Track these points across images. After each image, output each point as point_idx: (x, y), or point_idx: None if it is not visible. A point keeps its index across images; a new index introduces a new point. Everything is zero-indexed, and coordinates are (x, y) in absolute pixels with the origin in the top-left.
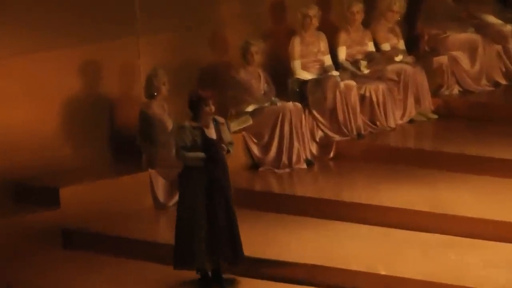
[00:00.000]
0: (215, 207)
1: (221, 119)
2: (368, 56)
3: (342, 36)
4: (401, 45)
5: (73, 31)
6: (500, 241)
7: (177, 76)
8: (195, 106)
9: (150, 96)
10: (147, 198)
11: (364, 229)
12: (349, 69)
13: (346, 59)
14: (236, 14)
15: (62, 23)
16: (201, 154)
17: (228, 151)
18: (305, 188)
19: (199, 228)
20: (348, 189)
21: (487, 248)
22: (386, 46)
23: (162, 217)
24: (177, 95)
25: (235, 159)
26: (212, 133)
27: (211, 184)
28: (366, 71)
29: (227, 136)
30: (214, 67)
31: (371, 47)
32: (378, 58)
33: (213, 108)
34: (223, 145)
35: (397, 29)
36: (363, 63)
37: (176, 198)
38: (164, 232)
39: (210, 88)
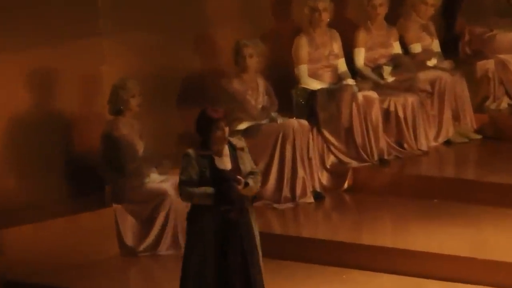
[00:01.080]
0: (226, 259)
1: (239, 143)
2: (394, 61)
3: (361, 35)
4: (436, 46)
5: (20, 31)
6: None
7: (152, 87)
8: (204, 130)
9: (117, 112)
10: (111, 242)
11: (390, 280)
12: (370, 77)
13: (366, 64)
14: (228, 9)
15: (6, 20)
16: (210, 190)
17: (246, 184)
18: (314, 229)
19: (206, 286)
20: (368, 230)
21: None
22: (417, 48)
23: (131, 268)
24: (151, 111)
25: None
26: (226, 162)
27: (224, 228)
28: (391, 80)
29: (246, 165)
30: (200, 76)
31: (397, 48)
32: (406, 63)
33: (227, 131)
34: (239, 177)
35: (431, 27)
36: (387, 69)
37: (148, 241)
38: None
39: (198, 102)
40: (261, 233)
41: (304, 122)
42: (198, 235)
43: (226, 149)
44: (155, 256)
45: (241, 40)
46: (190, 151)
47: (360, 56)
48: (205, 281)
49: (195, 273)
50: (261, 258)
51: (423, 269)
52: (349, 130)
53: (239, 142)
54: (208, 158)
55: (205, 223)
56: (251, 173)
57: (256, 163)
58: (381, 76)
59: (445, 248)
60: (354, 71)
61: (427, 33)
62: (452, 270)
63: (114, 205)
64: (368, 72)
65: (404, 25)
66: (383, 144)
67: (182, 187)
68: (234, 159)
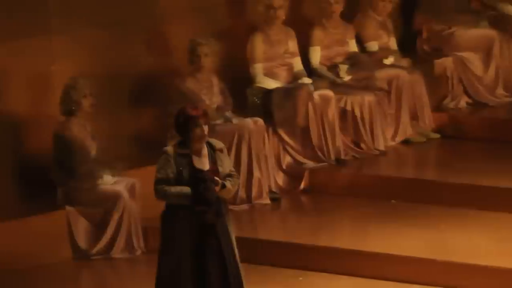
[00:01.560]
0: (203, 260)
1: (218, 144)
2: (351, 59)
3: (317, 34)
4: (393, 44)
5: None
6: None
7: (103, 86)
8: (182, 128)
9: (68, 112)
10: (64, 245)
11: (348, 282)
12: (326, 76)
13: (321, 63)
14: (181, 6)
15: None
16: (186, 189)
17: (223, 186)
18: (270, 230)
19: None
20: (326, 232)
21: None
22: (373, 46)
23: (84, 271)
24: (104, 111)
25: None
26: (204, 163)
27: (200, 229)
28: (347, 78)
29: (225, 167)
30: (153, 74)
31: (353, 46)
32: (363, 62)
33: (205, 129)
34: (217, 178)
35: (389, 24)
36: (344, 68)
37: (101, 244)
38: None
39: (151, 101)
40: None
41: (260, 121)
42: (173, 236)
43: (205, 149)
44: (108, 259)
45: (196, 38)
46: (168, 149)
47: (316, 55)
48: (181, 283)
49: (171, 274)
50: (238, 260)
51: (382, 271)
52: (305, 130)
53: (218, 143)
54: (186, 157)
55: (181, 223)
56: (229, 175)
57: None
58: (337, 75)
59: (404, 250)
60: (310, 70)
61: (384, 31)
62: (411, 272)
63: (67, 208)
64: (324, 71)
65: (361, 22)
66: (339, 144)
67: (158, 186)
68: (213, 160)
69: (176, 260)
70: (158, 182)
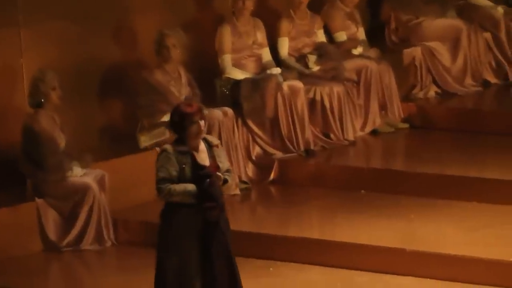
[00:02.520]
0: (212, 259)
1: (214, 140)
2: (319, 49)
3: (284, 25)
4: (361, 34)
5: None
6: (493, 286)
7: (72, 79)
8: (179, 126)
9: (37, 105)
10: (34, 237)
11: (318, 272)
12: (294, 67)
13: (290, 54)
14: None
15: None
16: (191, 187)
17: (225, 181)
18: (240, 221)
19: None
20: (295, 222)
21: None
22: (342, 36)
23: (54, 263)
24: (73, 103)
25: (142, 188)
26: (204, 159)
27: (207, 228)
28: (316, 69)
29: (224, 162)
30: (121, 66)
31: (321, 37)
32: (331, 52)
33: (202, 125)
34: (218, 173)
35: (357, 14)
36: (312, 59)
37: (71, 236)
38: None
39: (120, 93)
40: None
41: (229, 111)
42: (177, 235)
43: (202, 145)
44: (78, 251)
45: (163, 30)
46: (168, 147)
47: (284, 46)
48: (187, 283)
49: (175, 275)
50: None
51: (351, 261)
52: (274, 121)
53: (213, 138)
54: (186, 154)
55: (185, 221)
56: (227, 170)
57: None
58: (306, 65)
59: (373, 240)
60: (278, 62)
61: (352, 21)
62: (381, 262)
63: (36, 200)
64: (292, 62)
65: (328, 13)
66: (309, 134)
67: (161, 185)
68: (212, 155)
69: (182, 260)
70: (161, 181)
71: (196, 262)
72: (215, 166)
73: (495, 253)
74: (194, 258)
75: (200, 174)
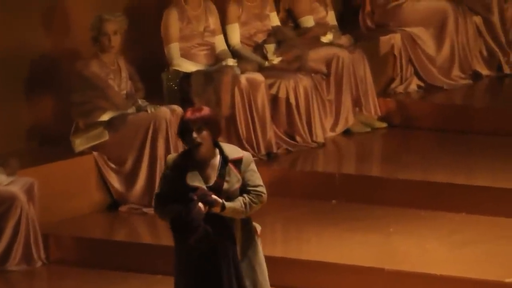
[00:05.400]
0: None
1: (234, 153)
2: (275, 35)
3: (232, 9)
4: (332, 19)
5: None
6: None
7: None
8: (180, 135)
9: None
10: None
11: None
12: (249, 58)
13: (242, 43)
14: None
15: None
16: (175, 210)
17: (223, 208)
18: None
19: None
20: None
21: None
22: (309, 21)
23: None
24: None
25: (78, 198)
26: (208, 177)
27: (200, 260)
28: (277, 61)
29: (233, 182)
30: (52, 58)
31: (275, 20)
32: (290, 37)
33: (204, 135)
34: (215, 197)
35: None
36: (271, 48)
37: None
38: None
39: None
40: (127, 244)
41: (178, 109)
42: (183, 255)
43: (217, 159)
44: (3, 273)
45: (102, 14)
46: (169, 158)
47: (235, 34)
48: None
49: None
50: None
51: (320, 282)
52: (231, 120)
53: (234, 152)
54: (183, 170)
55: (194, 243)
56: (247, 191)
57: (122, 160)
58: (264, 57)
59: (346, 258)
60: (230, 52)
61: (320, 3)
62: (355, 283)
63: None
64: (247, 52)
65: None
66: (271, 135)
67: (155, 202)
68: (221, 174)
69: (189, 282)
70: (155, 197)
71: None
72: (215, 187)
73: (486, 272)
74: (201, 282)
75: (185, 197)
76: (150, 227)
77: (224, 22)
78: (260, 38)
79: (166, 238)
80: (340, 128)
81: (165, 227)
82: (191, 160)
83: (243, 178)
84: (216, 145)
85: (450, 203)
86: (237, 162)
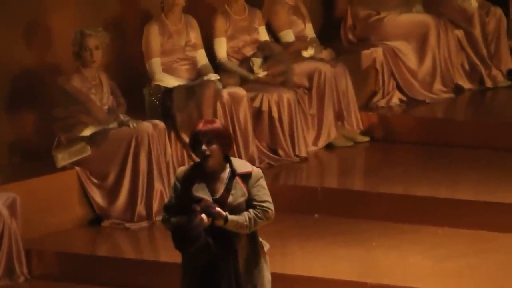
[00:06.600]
0: None
1: (242, 168)
2: (263, 49)
3: (219, 22)
4: (310, 31)
5: None
6: None
7: None
8: (193, 147)
9: None
10: None
11: None
12: (236, 72)
13: (230, 56)
14: None
15: None
16: (179, 220)
17: (226, 221)
18: (174, 252)
19: None
20: None
21: None
22: (289, 35)
23: None
24: None
25: (60, 213)
26: (215, 190)
27: (204, 272)
28: (263, 74)
29: (237, 195)
30: (33, 72)
31: (264, 34)
32: (277, 52)
33: (213, 148)
34: (218, 209)
35: (302, 8)
36: (257, 62)
37: None
38: None
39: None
40: (109, 259)
41: (160, 124)
42: (188, 266)
43: (226, 173)
44: None
45: (83, 29)
46: (180, 169)
47: (222, 47)
48: None
49: None
50: None
51: None
52: None
53: (242, 166)
54: (191, 182)
55: (194, 254)
56: (254, 206)
57: (105, 175)
58: (250, 70)
59: (329, 272)
60: (216, 67)
61: (298, 16)
62: None
63: None
64: (233, 65)
65: (271, 9)
66: (253, 150)
67: (163, 213)
68: (227, 187)
69: None
70: (163, 209)
71: None
72: (220, 200)
73: (469, 286)
74: None
75: (189, 209)
76: (133, 242)
77: (211, 36)
78: (248, 51)
79: (148, 253)
80: (322, 142)
81: (147, 242)
82: (200, 172)
83: (250, 193)
84: (227, 159)
85: (432, 216)
86: (245, 177)
